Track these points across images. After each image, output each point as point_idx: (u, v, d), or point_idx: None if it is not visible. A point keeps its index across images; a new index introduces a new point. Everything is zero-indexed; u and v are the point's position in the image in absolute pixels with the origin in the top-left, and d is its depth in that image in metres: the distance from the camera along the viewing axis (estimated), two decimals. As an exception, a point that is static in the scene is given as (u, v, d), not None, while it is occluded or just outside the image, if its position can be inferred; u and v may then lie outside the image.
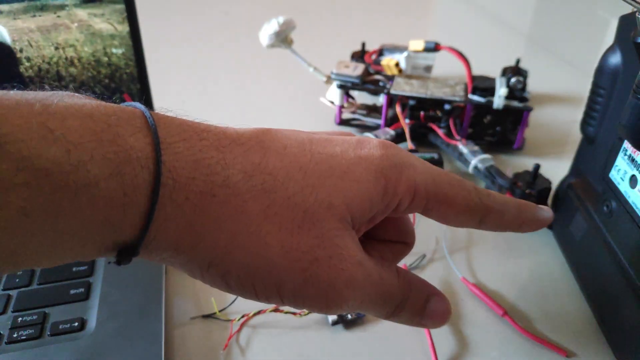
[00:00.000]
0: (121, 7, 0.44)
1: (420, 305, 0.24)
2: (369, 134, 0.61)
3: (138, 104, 0.20)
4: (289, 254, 0.20)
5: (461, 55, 0.61)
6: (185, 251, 0.20)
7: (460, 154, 0.59)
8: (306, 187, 0.21)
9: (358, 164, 0.23)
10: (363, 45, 0.74)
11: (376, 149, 0.24)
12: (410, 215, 0.50)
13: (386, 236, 0.28)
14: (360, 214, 0.23)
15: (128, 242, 0.19)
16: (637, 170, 0.37)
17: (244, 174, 0.20)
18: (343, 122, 0.68)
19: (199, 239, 0.20)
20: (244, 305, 0.42)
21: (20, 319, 0.37)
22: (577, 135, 0.47)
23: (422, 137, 0.65)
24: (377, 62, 0.67)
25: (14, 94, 0.17)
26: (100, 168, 0.17)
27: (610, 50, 0.41)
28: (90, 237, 0.18)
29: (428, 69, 0.73)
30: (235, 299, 0.42)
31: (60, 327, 0.37)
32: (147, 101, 0.48)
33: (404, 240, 0.29)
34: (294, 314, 0.41)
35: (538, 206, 0.28)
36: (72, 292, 0.39)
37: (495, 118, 0.62)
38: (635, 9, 0.36)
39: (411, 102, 0.63)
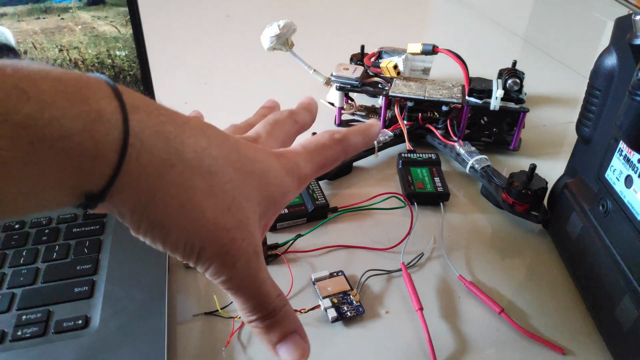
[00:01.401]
0: (124, 9, 0.44)
1: (284, 330, 0.27)
2: (367, 135, 0.62)
3: (100, 74, 0.22)
4: (217, 230, 0.24)
5: (458, 58, 0.62)
6: (139, 209, 0.22)
7: (458, 155, 0.60)
8: (236, 179, 0.25)
9: (270, 171, 0.27)
10: (362, 48, 0.75)
11: (273, 158, 0.29)
12: (409, 216, 0.51)
13: None
14: (266, 212, 0.27)
15: (95, 191, 0.21)
16: (633, 170, 0.37)
17: (195, 154, 0.23)
18: (343, 123, 0.69)
19: (153, 201, 0.22)
20: (246, 303, 0.42)
21: (24, 317, 0.37)
22: (572, 136, 0.48)
23: (420, 138, 0.65)
24: (375, 65, 0.67)
25: None
26: (73, 123, 0.19)
27: (606, 52, 0.42)
28: (63, 185, 0.20)
29: (426, 71, 0.74)
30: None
31: (65, 324, 0.37)
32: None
33: None
34: (295, 311, 0.41)
35: (371, 124, 0.35)
36: (76, 290, 0.40)
37: (492, 119, 0.63)
38: (630, 11, 0.36)
39: (409, 104, 0.64)
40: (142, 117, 0.22)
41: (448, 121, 0.64)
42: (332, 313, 0.41)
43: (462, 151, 0.59)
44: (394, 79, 0.66)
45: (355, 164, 0.61)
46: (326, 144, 0.32)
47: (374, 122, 0.36)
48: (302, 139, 0.33)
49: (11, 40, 0.43)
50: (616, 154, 0.40)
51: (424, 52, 0.65)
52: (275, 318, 0.27)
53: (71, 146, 0.19)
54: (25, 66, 0.19)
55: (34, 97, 0.18)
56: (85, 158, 0.20)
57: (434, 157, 0.60)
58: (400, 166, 0.59)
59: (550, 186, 0.51)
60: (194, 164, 0.23)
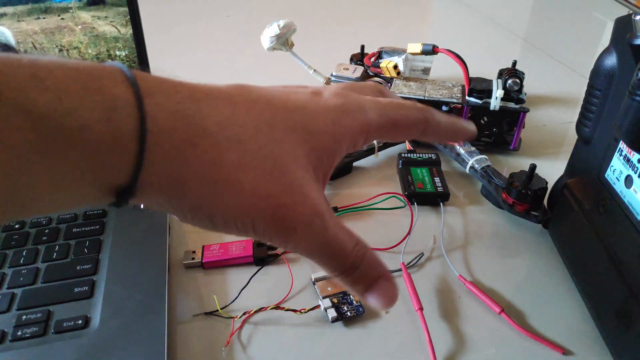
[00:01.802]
0: (124, 9, 0.44)
1: (369, 279, 0.26)
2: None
3: (116, 62, 0.22)
4: (261, 199, 0.23)
5: (458, 58, 0.62)
6: (176, 196, 0.22)
7: (458, 155, 0.60)
8: (273, 140, 0.23)
9: (316, 117, 0.25)
10: (362, 48, 0.75)
11: (331, 99, 0.26)
12: (409, 216, 0.51)
13: None
14: (321, 163, 0.25)
15: (123, 185, 0.20)
16: (633, 170, 0.38)
17: (219, 126, 0.22)
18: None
19: (186, 186, 0.21)
20: (246, 302, 0.43)
21: (24, 317, 0.38)
22: (572, 136, 0.48)
23: (420, 138, 0.65)
24: (375, 65, 0.67)
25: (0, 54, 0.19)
26: (90, 113, 0.19)
27: (606, 52, 0.42)
28: (85, 180, 0.20)
29: (426, 71, 0.74)
30: (237, 297, 0.43)
31: (65, 324, 0.37)
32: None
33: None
34: (295, 311, 0.41)
35: (466, 121, 0.32)
36: (76, 290, 0.40)
37: (492, 119, 0.63)
38: (630, 11, 0.36)
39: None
40: (159, 100, 0.21)
41: (448, 121, 0.64)
42: (332, 313, 0.41)
43: (462, 151, 0.59)
44: (394, 79, 0.66)
45: (355, 164, 0.61)
46: (405, 104, 0.29)
47: (469, 122, 0.32)
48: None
49: (11, 40, 0.43)
50: (616, 154, 0.40)
51: (424, 52, 0.65)
52: (358, 271, 0.26)
53: (90, 137, 0.19)
54: (41, 58, 0.19)
55: (51, 85, 0.18)
56: (104, 149, 0.19)
57: (434, 157, 0.60)
58: (400, 166, 0.59)
59: (550, 186, 0.51)
60: (219, 137, 0.22)
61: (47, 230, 0.45)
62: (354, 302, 0.43)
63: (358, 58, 0.74)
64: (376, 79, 0.68)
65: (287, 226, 0.23)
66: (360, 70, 0.66)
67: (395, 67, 0.65)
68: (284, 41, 0.68)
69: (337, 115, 0.26)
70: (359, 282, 0.26)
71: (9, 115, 0.17)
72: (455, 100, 0.62)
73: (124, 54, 0.46)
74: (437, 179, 0.56)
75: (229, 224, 0.23)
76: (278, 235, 0.24)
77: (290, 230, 0.24)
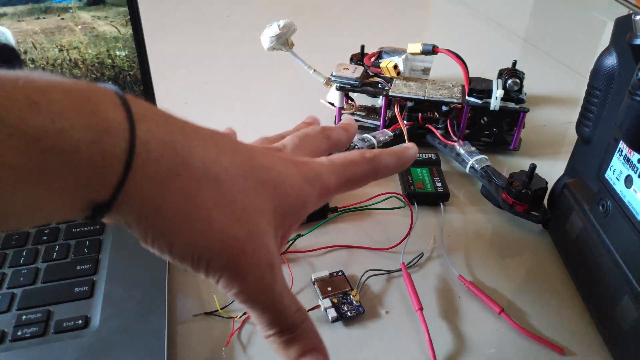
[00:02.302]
0: (124, 9, 0.44)
1: (304, 347, 0.26)
2: (368, 135, 0.62)
3: (109, 84, 0.22)
4: (225, 241, 0.23)
5: (458, 58, 0.62)
6: (145, 218, 0.22)
7: (458, 155, 0.60)
8: (246, 189, 0.25)
9: (287, 180, 0.27)
10: (362, 48, 0.75)
11: (295, 166, 0.28)
12: (409, 216, 0.51)
13: None
14: (283, 223, 0.27)
15: (102, 202, 0.21)
16: (633, 170, 0.38)
17: (203, 163, 0.23)
18: (342, 124, 0.69)
19: (159, 211, 0.22)
20: (246, 303, 0.42)
21: (24, 317, 0.37)
22: (572, 136, 0.48)
23: (420, 138, 0.65)
24: (375, 65, 0.67)
25: None
26: (82, 134, 0.19)
27: (606, 52, 0.42)
28: (72, 196, 0.20)
29: (426, 71, 0.74)
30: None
31: (65, 324, 0.37)
32: (150, 102, 0.48)
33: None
34: (295, 311, 0.41)
35: (407, 147, 0.35)
36: (76, 290, 0.40)
37: (492, 119, 0.63)
38: (631, 11, 0.36)
39: (409, 104, 0.63)
40: (151, 127, 0.22)
41: (448, 121, 0.64)
42: (332, 313, 0.41)
43: (462, 151, 0.59)
44: (394, 79, 0.66)
45: (355, 164, 0.61)
46: (355, 160, 0.31)
47: (411, 145, 0.35)
48: (332, 155, 0.32)
49: (11, 40, 0.43)
50: (616, 154, 0.40)
51: (424, 52, 0.65)
52: (294, 334, 0.26)
53: (80, 158, 0.19)
54: (37, 78, 0.19)
55: (44, 108, 0.18)
56: (93, 169, 0.20)
57: (434, 157, 0.60)
58: (400, 166, 0.59)
59: (550, 186, 0.51)
60: (201, 173, 0.23)
61: (47, 230, 0.45)
62: (354, 302, 0.43)
63: (358, 58, 0.74)
64: (376, 79, 0.68)
65: (241, 272, 0.24)
66: (360, 70, 0.66)
67: (395, 67, 0.65)
68: (284, 41, 0.68)
69: (301, 181, 0.28)
70: (291, 346, 0.26)
71: (6, 137, 0.18)
72: (455, 100, 0.62)
73: (124, 54, 0.46)
74: (437, 179, 0.56)
75: (185, 257, 0.23)
76: (228, 278, 0.24)
77: (241, 276, 0.24)
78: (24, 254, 0.42)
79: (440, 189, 0.55)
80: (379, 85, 0.67)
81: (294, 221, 0.28)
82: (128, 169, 0.21)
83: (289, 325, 0.26)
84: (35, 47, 0.43)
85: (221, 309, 0.42)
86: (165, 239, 0.23)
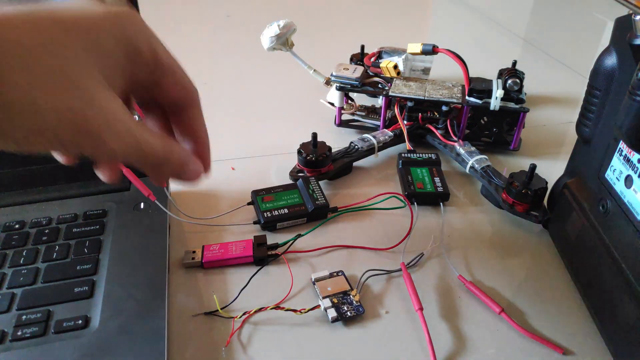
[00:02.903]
0: (124, 9, 0.44)
1: (180, 167, 0.30)
2: (368, 135, 0.62)
3: None
4: (62, 114, 0.24)
5: (458, 58, 0.62)
6: None
7: (458, 155, 0.60)
8: (64, 58, 0.24)
9: (106, 34, 0.26)
10: (362, 48, 0.75)
11: (120, 18, 0.27)
12: (409, 216, 0.51)
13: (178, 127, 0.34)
14: (113, 78, 0.27)
15: None
16: (633, 170, 0.38)
17: (5, 59, 0.22)
18: (342, 123, 0.69)
19: None
20: (246, 302, 0.43)
21: (24, 317, 0.37)
22: (572, 136, 0.48)
23: (420, 138, 0.65)
24: (375, 65, 0.67)
25: None
26: None
27: (606, 52, 0.42)
28: None
29: (426, 71, 0.74)
30: (237, 297, 0.43)
31: (64, 324, 0.37)
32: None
33: (189, 136, 0.34)
34: (295, 311, 0.41)
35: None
36: (76, 290, 0.40)
37: (492, 119, 0.63)
38: (630, 11, 0.36)
39: (409, 104, 0.64)
40: None
41: (448, 121, 0.64)
42: (332, 313, 0.41)
43: (462, 151, 0.59)
44: (394, 79, 0.66)
45: (355, 164, 0.61)
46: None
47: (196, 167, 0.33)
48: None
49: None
50: (616, 154, 0.40)
51: (424, 52, 0.65)
52: (169, 163, 0.29)
53: None
54: None
55: None
56: None
57: (434, 157, 0.60)
58: (400, 166, 0.59)
59: (550, 186, 0.51)
60: (2, 63, 0.22)
61: (47, 231, 0.45)
62: (354, 302, 0.43)
63: (358, 58, 0.75)
64: (376, 79, 0.68)
65: (96, 136, 0.25)
66: (360, 70, 0.66)
67: (395, 67, 0.65)
68: (284, 41, 0.68)
69: (123, 32, 0.27)
70: (172, 171, 0.30)
71: None
72: (455, 100, 0.62)
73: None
74: (437, 179, 0.56)
75: (33, 142, 0.24)
76: (89, 147, 0.25)
77: (100, 141, 0.25)
78: (24, 254, 0.42)
79: (440, 189, 0.55)
80: (379, 85, 0.67)
81: (127, 74, 0.28)
82: None
83: (161, 160, 0.28)
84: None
85: (221, 308, 0.42)
86: (8, 138, 0.23)
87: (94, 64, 0.25)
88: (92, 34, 0.25)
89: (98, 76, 0.25)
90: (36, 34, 0.23)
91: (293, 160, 0.58)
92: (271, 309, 0.42)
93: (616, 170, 0.40)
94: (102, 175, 0.32)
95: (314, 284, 0.44)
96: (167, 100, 0.32)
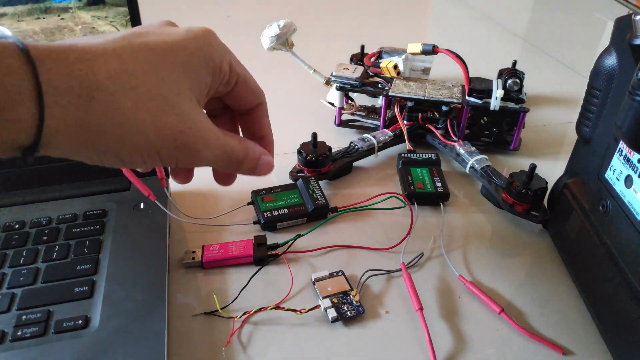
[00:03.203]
0: (124, 9, 0.44)
1: (255, 162, 0.33)
2: (368, 135, 0.62)
3: (9, 35, 0.24)
4: (161, 132, 0.27)
5: (458, 58, 0.62)
6: (82, 145, 0.25)
7: (458, 155, 0.60)
8: (159, 80, 0.27)
9: (192, 56, 0.29)
10: (362, 48, 0.75)
11: (201, 39, 0.30)
12: (409, 216, 0.51)
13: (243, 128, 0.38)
14: (200, 94, 0.30)
15: (27, 144, 0.24)
16: (633, 170, 0.38)
17: (110, 79, 0.25)
18: (342, 123, 0.69)
19: (91, 134, 0.25)
20: (246, 302, 0.43)
21: (24, 317, 0.37)
22: (572, 136, 0.48)
23: (420, 138, 0.65)
24: (375, 65, 0.67)
25: None
26: None
27: (606, 52, 0.42)
28: None
29: (426, 71, 0.74)
30: (237, 297, 0.43)
31: (64, 324, 0.37)
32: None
33: (258, 134, 0.38)
34: (295, 311, 0.41)
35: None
36: (76, 290, 0.40)
37: (492, 119, 0.63)
38: (631, 11, 0.36)
39: (409, 104, 0.64)
40: (51, 65, 0.23)
41: (448, 121, 0.64)
42: (332, 313, 0.41)
43: (462, 151, 0.59)
44: (394, 79, 0.66)
45: (355, 164, 0.61)
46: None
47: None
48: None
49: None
50: (616, 154, 0.40)
51: (424, 52, 0.65)
52: (246, 161, 0.33)
53: None
54: None
55: None
56: (2, 112, 0.22)
57: (434, 157, 0.60)
58: (400, 166, 0.59)
59: (550, 186, 0.51)
60: (112, 88, 0.25)
61: (47, 231, 0.45)
62: (354, 302, 0.43)
63: (358, 58, 0.74)
64: (376, 79, 0.68)
65: (191, 148, 0.28)
66: (360, 70, 0.66)
67: (395, 67, 0.65)
68: (284, 41, 0.68)
69: (208, 53, 0.30)
70: (249, 167, 0.33)
71: None
72: (455, 100, 0.62)
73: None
74: (437, 179, 0.56)
75: (135, 159, 0.27)
76: (184, 158, 0.29)
77: (195, 151, 0.29)
78: (24, 254, 0.42)
79: (440, 189, 0.55)
80: (379, 85, 0.67)
81: (207, 89, 0.31)
82: (42, 108, 0.23)
83: (241, 159, 0.32)
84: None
85: (221, 308, 0.42)
86: (111, 154, 0.26)
87: (184, 84, 0.28)
88: (181, 56, 0.28)
89: (189, 94, 0.29)
90: (136, 61, 0.26)
91: (293, 160, 0.58)
92: (271, 309, 0.42)
93: (616, 170, 0.40)
94: (177, 179, 0.36)
95: (314, 284, 0.44)
96: (240, 105, 0.36)
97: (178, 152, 0.28)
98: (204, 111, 0.30)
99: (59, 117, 0.24)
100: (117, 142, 0.26)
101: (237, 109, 0.36)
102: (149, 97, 0.26)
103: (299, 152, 0.56)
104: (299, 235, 0.48)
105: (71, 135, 0.24)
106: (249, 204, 0.52)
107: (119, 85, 0.25)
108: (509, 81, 0.60)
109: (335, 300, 0.42)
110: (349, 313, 0.42)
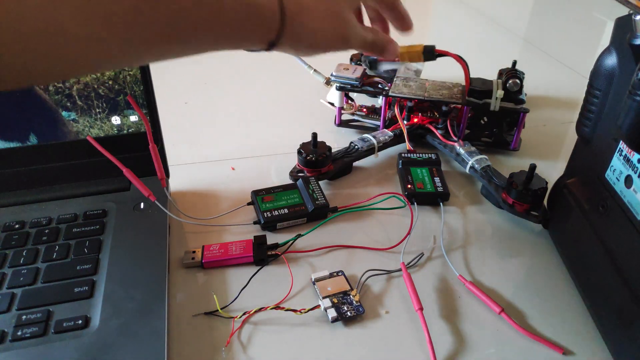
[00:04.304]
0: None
1: (382, 47, 0.46)
2: (368, 135, 0.62)
3: None
4: (336, 29, 0.40)
5: (459, 58, 0.62)
6: (296, 43, 0.37)
7: (458, 155, 0.60)
8: (334, 3, 0.39)
9: None
10: (362, 47, 0.74)
11: None
12: (409, 216, 0.51)
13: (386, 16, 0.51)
14: (355, 9, 0.43)
15: (272, 40, 0.36)
16: (633, 170, 0.38)
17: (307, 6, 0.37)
18: (342, 123, 0.69)
19: (300, 35, 0.37)
20: (246, 302, 0.43)
21: (24, 317, 0.37)
22: (572, 136, 0.48)
23: (420, 138, 0.65)
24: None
25: None
26: (265, 4, 0.34)
27: (606, 52, 0.42)
28: (260, 40, 0.35)
29: (418, 72, 0.74)
30: (237, 297, 0.43)
31: (65, 324, 0.37)
32: (150, 102, 0.48)
33: (399, 18, 0.51)
34: (295, 311, 0.41)
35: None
36: (76, 290, 0.40)
37: (492, 119, 0.63)
38: (630, 11, 0.36)
39: (409, 104, 0.64)
40: None
41: (448, 121, 0.64)
42: (332, 313, 0.41)
43: (462, 151, 0.59)
44: (394, 79, 0.66)
45: (355, 164, 0.61)
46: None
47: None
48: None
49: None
50: (616, 154, 0.40)
51: (426, 60, 0.65)
52: (383, 46, 0.46)
53: (263, 14, 0.34)
54: None
55: None
56: (267, 20, 0.34)
57: (434, 157, 0.60)
58: (400, 166, 0.59)
59: (550, 186, 0.51)
60: (307, 5, 0.37)
61: (47, 230, 0.45)
62: (354, 302, 0.43)
63: (358, 58, 0.74)
64: (376, 79, 0.68)
65: (347, 39, 0.41)
66: (360, 70, 0.66)
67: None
68: (284, 41, 0.68)
69: None
70: (383, 49, 0.46)
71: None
72: (455, 101, 0.62)
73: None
74: (437, 179, 0.56)
75: (328, 46, 0.40)
76: (341, 45, 0.41)
77: (347, 41, 0.41)
78: (24, 254, 0.42)
79: (440, 189, 0.55)
80: (379, 85, 0.67)
81: (359, 2, 0.45)
82: (284, 17, 0.35)
83: (380, 45, 0.46)
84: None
85: (221, 308, 0.42)
86: (312, 49, 0.39)
87: (345, 4, 0.40)
88: None
89: (349, 10, 0.41)
90: None
91: (293, 160, 0.58)
92: (271, 309, 0.42)
93: (616, 170, 0.40)
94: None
95: (314, 284, 0.44)
96: (383, 2, 0.48)
97: (340, 44, 0.41)
98: (354, 16, 0.42)
99: (288, 24, 0.35)
100: (314, 41, 0.38)
101: (380, 5, 0.49)
102: (326, 8, 0.38)
103: (299, 152, 0.56)
104: (299, 235, 0.48)
105: (293, 36, 0.36)
106: (249, 204, 0.52)
107: (311, 1, 0.37)
108: (509, 81, 0.60)
109: (335, 300, 0.42)
110: (349, 313, 0.42)
